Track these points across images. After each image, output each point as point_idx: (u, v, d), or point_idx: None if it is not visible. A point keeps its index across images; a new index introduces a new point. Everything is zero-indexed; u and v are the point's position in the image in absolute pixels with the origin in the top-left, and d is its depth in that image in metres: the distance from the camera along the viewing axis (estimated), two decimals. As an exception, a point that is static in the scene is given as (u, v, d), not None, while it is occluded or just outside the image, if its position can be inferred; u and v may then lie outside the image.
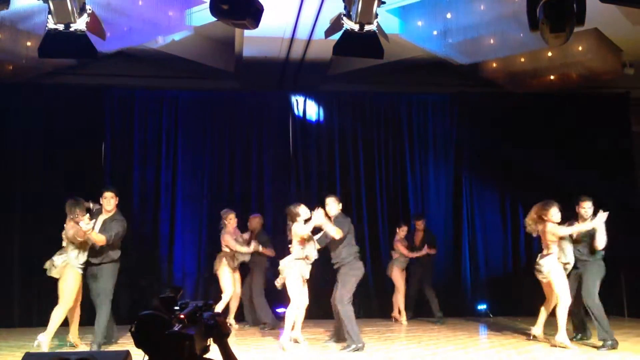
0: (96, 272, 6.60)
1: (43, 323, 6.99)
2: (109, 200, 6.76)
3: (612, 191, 9.59)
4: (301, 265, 6.73)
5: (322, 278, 7.64)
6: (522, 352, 6.36)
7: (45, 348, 6.26)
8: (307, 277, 6.83)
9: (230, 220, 8.10)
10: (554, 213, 6.63)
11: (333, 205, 6.75)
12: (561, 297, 6.56)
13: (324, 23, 7.31)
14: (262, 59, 8.97)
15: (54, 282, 6.73)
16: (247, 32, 7.83)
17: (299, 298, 6.76)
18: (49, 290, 6.80)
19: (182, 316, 2.48)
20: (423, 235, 9.23)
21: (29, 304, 8.66)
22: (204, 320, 2.54)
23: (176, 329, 2.43)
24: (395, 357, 6.18)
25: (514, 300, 9.36)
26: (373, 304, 9.54)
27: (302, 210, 6.76)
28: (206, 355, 2.51)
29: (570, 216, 6.96)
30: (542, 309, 6.94)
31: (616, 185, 9.93)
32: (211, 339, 2.54)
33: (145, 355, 2.47)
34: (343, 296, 6.58)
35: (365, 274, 9.43)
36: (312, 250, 6.73)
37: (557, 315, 6.58)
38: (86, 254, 6.54)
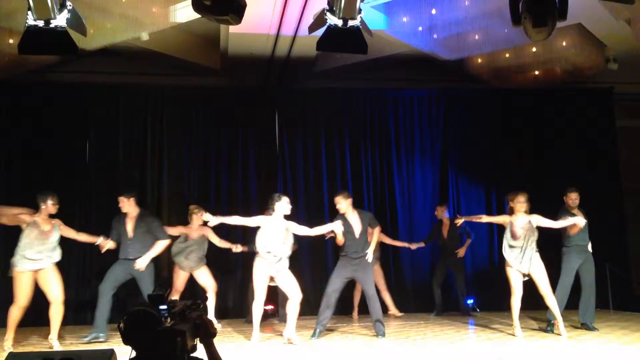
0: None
1: (29, 323, 6.95)
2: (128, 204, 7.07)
3: (596, 186, 9.68)
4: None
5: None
6: (509, 345, 6.39)
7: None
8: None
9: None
10: (521, 201, 6.89)
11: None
12: (512, 289, 6.89)
13: (310, 19, 7.29)
14: (248, 56, 8.93)
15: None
16: (233, 29, 7.79)
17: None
18: (38, 290, 6.74)
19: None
20: (449, 225, 9.19)
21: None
22: (191, 320, 2.52)
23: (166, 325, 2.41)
24: (384, 352, 6.18)
25: (500, 295, 9.38)
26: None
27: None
28: (192, 355, 2.49)
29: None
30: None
31: (600, 180, 10.02)
32: (197, 338, 2.53)
33: (133, 350, 2.44)
34: None
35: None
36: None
37: (510, 306, 6.92)
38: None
